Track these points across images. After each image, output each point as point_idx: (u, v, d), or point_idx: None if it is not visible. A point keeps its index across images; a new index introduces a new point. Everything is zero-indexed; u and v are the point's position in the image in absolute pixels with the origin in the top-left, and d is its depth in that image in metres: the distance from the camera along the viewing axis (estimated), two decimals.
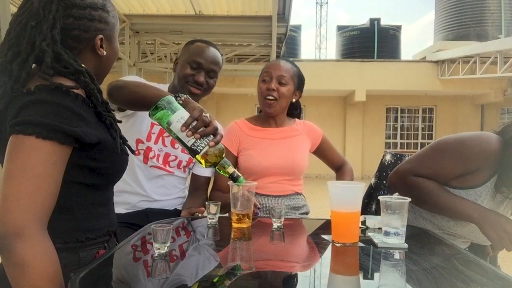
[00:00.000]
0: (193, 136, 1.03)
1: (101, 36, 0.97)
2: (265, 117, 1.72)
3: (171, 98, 1.08)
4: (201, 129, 1.04)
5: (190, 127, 1.03)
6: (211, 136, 1.06)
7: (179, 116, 1.04)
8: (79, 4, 0.92)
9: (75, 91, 0.86)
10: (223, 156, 1.09)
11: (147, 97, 1.17)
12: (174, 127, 1.04)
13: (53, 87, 0.83)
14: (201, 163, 1.08)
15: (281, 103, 1.66)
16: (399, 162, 1.97)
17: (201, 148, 1.05)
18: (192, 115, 1.04)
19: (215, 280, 0.83)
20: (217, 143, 1.06)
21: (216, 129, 1.06)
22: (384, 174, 1.93)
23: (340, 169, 1.86)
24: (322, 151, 1.82)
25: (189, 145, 1.05)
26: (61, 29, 0.90)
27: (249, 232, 1.21)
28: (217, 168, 1.10)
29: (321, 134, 1.81)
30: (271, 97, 1.64)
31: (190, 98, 1.18)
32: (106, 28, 0.99)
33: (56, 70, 0.86)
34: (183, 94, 1.17)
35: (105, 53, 0.99)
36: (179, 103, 1.12)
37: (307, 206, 1.76)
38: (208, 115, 1.07)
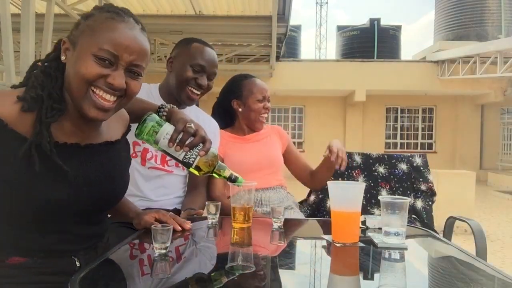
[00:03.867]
0: (182, 150, 1.02)
1: (65, 39, 0.93)
2: (240, 127, 1.86)
3: (153, 115, 1.06)
4: (188, 141, 1.02)
5: (177, 141, 1.02)
6: (201, 145, 1.05)
7: (165, 132, 1.03)
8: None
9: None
10: (217, 162, 1.09)
11: (133, 112, 1.15)
12: (162, 144, 1.03)
13: None
14: (197, 173, 1.08)
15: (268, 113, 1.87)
16: (349, 160, 2.03)
17: (193, 159, 1.04)
18: (176, 129, 1.02)
19: (214, 277, 0.83)
20: (207, 151, 1.04)
21: (203, 138, 1.04)
22: (338, 172, 2.03)
23: (312, 173, 1.88)
24: (291, 152, 1.92)
25: (180, 159, 1.04)
26: None
27: (250, 232, 1.21)
28: (214, 174, 1.10)
29: (287, 137, 1.95)
30: (266, 115, 1.83)
31: (175, 108, 1.15)
32: (74, 33, 0.92)
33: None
34: (166, 105, 1.15)
35: (63, 58, 0.92)
36: (163, 115, 1.11)
37: (291, 196, 1.88)
38: (192, 125, 1.04)
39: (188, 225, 1.16)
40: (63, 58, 0.90)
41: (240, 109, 1.82)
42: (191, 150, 1.03)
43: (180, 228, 1.14)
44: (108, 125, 1.03)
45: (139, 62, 0.91)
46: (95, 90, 0.88)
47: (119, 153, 1.05)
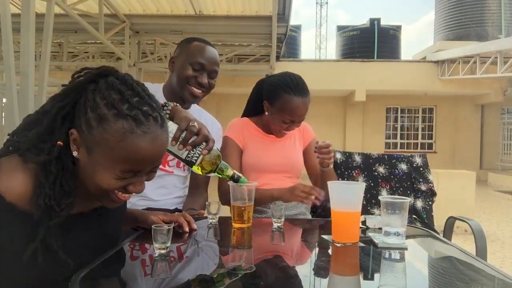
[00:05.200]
0: (185, 148, 1.02)
1: (74, 131, 0.80)
2: (265, 123, 1.73)
3: None
4: (191, 140, 1.02)
5: (180, 139, 1.01)
6: (204, 143, 1.05)
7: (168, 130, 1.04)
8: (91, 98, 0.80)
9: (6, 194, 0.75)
10: (219, 161, 1.09)
11: None
12: None
13: None
14: (199, 172, 1.08)
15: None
16: (349, 160, 2.02)
17: (196, 158, 1.04)
18: (179, 127, 1.02)
19: (215, 277, 0.83)
20: (210, 150, 1.05)
21: (206, 137, 1.04)
22: (339, 172, 1.98)
23: None
24: (309, 151, 1.78)
25: (183, 158, 1.04)
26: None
27: (250, 232, 1.21)
28: (217, 173, 1.10)
29: (313, 134, 1.83)
30: (288, 132, 1.68)
31: (178, 106, 1.15)
32: (86, 135, 0.79)
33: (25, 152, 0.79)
34: (169, 103, 1.15)
35: (75, 154, 0.81)
36: (167, 113, 1.11)
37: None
38: (195, 123, 1.04)
39: (194, 225, 1.17)
40: (75, 154, 0.81)
41: (266, 113, 1.68)
42: (194, 149, 1.03)
43: (187, 229, 1.14)
44: None
45: (157, 164, 0.85)
46: (115, 192, 0.84)
47: (113, 213, 1.00)
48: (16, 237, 0.77)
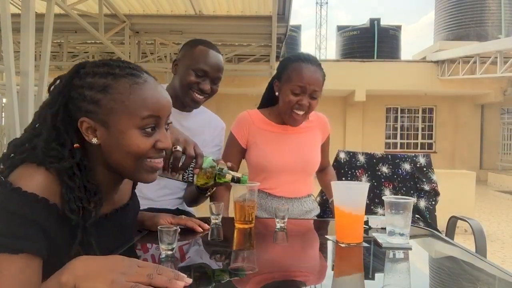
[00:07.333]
0: (177, 174, 1.05)
1: (84, 119, 0.80)
2: (278, 112, 1.58)
3: None
4: (180, 165, 1.04)
5: (170, 168, 1.03)
6: (194, 161, 1.06)
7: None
8: (77, 83, 0.83)
9: (37, 192, 0.73)
10: (216, 170, 1.10)
11: None
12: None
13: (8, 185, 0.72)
14: (201, 185, 1.09)
15: (309, 115, 1.56)
16: (353, 159, 2.03)
17: (191, 178, 1.07)
18: (165, 157, 1.00)
19: (218, 278, 0.83)
20: (200, 167, 1.06)
21: (192, 156, 1.05)
22: (342, 171, 1.99)
23: (324, 170, 1.78)
24: (321, 150, 1.69)
25: (180, 180, 1.08)
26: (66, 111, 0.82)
27: (252, 233, 1.21)
28: (217, 181, 1.11)
29: (329, 132, 1.71)
30: (300, 112, 1.50)
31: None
32: (97, 111, 0.80)
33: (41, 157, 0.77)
34: None
35: (95, 140, 0.81)
36: None
37: (318, 208, 1.72)
38: (178, 147, 1.04)
39: (206, 225, 1.20)
40: (94, 141, 0.81)
41: (277, 93, 1.55)
42: (187, 170, 1.05)
43: (200, 230, 1.17)
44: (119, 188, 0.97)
45: (170, 113, 0.89)
46: (147, 159, 0.85)
47: (130, 214, 1.04)
48: (57, 231, 0.76)
